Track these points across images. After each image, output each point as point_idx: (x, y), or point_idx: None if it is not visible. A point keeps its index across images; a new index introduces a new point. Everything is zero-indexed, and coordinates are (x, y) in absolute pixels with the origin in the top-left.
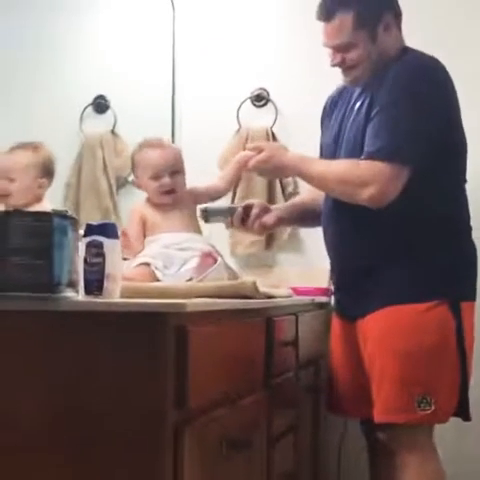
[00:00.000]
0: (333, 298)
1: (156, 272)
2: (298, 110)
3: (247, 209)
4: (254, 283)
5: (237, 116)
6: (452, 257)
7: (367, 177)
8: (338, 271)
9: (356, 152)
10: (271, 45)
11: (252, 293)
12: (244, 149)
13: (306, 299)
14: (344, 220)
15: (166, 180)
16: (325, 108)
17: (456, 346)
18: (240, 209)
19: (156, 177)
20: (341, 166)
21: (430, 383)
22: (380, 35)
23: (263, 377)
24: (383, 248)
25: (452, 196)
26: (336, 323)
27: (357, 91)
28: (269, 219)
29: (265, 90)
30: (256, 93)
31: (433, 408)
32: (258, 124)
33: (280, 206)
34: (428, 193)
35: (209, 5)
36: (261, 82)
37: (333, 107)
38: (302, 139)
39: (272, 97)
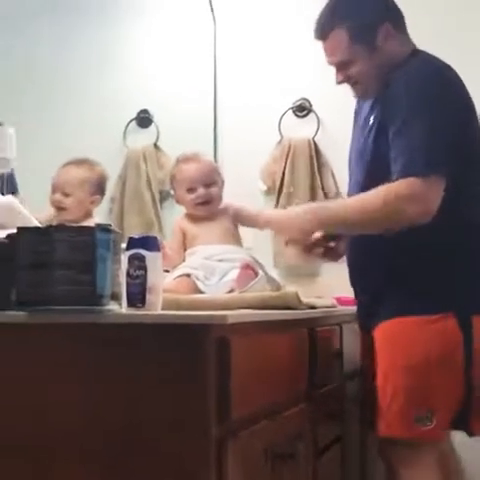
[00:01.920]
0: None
1: (197, 283)
2: (340, 120)
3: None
4: (296, 293)
5: (279, 127)
6: (465, 269)
7: (406, 195)
8: (354, 282)
9: (360, 166)
10: (312, 55)
11: (294, 304)
12: (287, 159)
13: (350, 309)
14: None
15: (200, 191)
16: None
17: (462, 360)
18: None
19: (191, 189)
20: (365, 197)
21: (432, 398)
22: (380, 46)
23: (307, 388)
24: (396, 262)
25: (470, 202)
26: (360, 336)
27: (369, 102)
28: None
29: (307, 100)
30: (298, 103)
31: (434, 424)
32: (300, 135)
33: None
34: (450, 200)
35: (250, 17)
36: (303, 92)
37: (355, 118)
38: (344, 149)
39: (314, 107)
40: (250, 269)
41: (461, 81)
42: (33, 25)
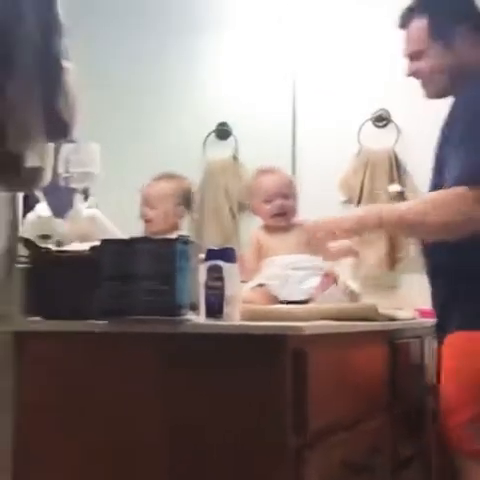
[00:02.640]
0: None
1: (273, 292)
2: (419, 129)
3: None
4: (374, 306)
5: (358, 137)
6: None
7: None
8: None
9: (432, 176)
10: (391, 65)
11: (373, 316)
12: (366, 170)
13: (432, 321)
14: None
15: (277, 202)
16: None
17: None
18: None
19: (268, 200)
20: (427, 197)
21: None
22: (458, 47)
23: (387, 401)
24: (464, 272)
25: None
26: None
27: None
28: None
29: (386, 110)
30: (377, 114)
31: None
32: (379, 145)
33: None
34: None
35: (328, 27)
36: (382, 102)
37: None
38: (424, 159)
39: (393, 117)
40: (331, 277)
41: None
42: (116, 41)
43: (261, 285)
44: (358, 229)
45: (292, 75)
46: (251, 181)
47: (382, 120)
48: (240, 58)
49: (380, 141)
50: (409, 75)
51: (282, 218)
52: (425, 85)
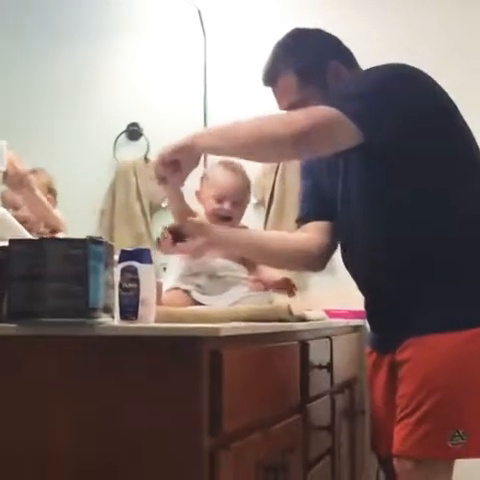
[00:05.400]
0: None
1: (194, 294)
2: None
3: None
4: (288, 306)
5: None
6: None
7: (294, 115)
8: (367, 297)
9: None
10: None
11: (286, 316)
12: (276, 172)
13: (340, 322)
14: (366, 236)
15: (226, 206)
16: None
17: None
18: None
19: (218, 200)
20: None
21: (467, 416)
22: (331, 83)
23: (298, 401)
24: (415, 264)
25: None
26: (370, 356)
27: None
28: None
29: None
30: None
31: (465, 442)
32: None
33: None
34: (455, 193)
35: (238, 29)
36: None
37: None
38: None
39: None
40: (258, 284)
41: (425, 75)
42: (26, 39)
43: (177, 288)
44: (176, 149)
45: (204, 76)
46: (211, 169)
47: None
48: (151, 59)
49: None
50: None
51: (226, 223)
52: None
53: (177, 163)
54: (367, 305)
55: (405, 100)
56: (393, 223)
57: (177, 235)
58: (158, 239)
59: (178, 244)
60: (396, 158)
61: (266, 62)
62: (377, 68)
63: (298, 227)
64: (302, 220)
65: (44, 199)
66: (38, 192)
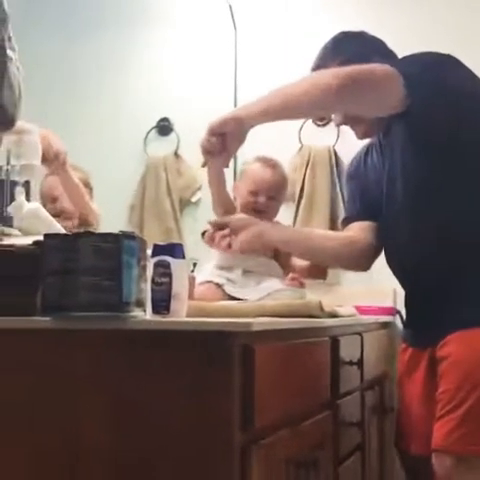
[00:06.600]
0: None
1: (226, 288)
2: None
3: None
4: (319, 302)
5: (299, 135)
6: None
7: (341, 70)
8: (406, 292)
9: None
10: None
11: (317, 312)
12: (306, 168)
13: (371, 318)
14: (413, 229)
15: (261, 200)
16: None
17: None
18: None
19: (253, 193)
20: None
21: None
22: None
23: (328, 397)
24: (454, 259)
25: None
26: (405, 352)
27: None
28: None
29: None
30: None
31: None
32: (320, 143)
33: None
34: None
35: (269, 23)
36: None
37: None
38: None
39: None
40: (297, 281)
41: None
42: (51, 31)
43: (209, 282)
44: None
45: (235, 71)
46: (249, 164)
47: (323, 119)
48: (182, 53)
49: (321, 139)
50: (337, 125)
51: (260, 216)
52: (356, 129)
53: (224, 141)
54: (408, 300)
55: (455, 85)
56: (441, 213)
57: (221, 229)
58: (203, 233)
59: (223, 239)
60: (443, 145)
61: (312, 63)
62: (423, 53)
63: (343, 227)
64: (347, 220)
65: (79, 183)
66: (73, 174)
